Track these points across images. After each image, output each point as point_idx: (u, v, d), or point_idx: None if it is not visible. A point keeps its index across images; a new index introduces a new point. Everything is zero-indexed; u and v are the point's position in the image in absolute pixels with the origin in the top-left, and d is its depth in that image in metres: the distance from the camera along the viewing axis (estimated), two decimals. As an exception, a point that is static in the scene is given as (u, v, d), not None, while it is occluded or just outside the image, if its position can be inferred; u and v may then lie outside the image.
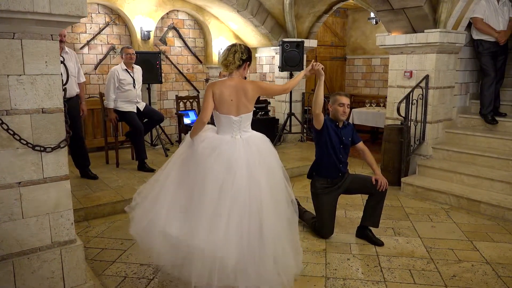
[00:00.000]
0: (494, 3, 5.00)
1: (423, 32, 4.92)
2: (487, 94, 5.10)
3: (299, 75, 3.07)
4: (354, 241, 3.49)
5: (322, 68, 3.02)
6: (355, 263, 3.10)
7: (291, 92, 7.07)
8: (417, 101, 5.00)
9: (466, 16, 4.98)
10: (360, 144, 3.57)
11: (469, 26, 5.15)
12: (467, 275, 2.92)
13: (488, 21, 4.97)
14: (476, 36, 5.14)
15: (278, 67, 6.86)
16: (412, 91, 4.91)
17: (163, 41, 7.16)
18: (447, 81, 5.15)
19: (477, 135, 5.01)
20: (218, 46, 7.55)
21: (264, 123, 6.83)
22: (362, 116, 7.26)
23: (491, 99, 5.10)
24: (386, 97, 5.71)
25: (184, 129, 6.08)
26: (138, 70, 5.42)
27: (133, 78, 5.28)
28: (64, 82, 2.43)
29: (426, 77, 4.98)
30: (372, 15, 8.21)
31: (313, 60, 3.15)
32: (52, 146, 2.33)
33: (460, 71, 5.45)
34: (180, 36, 7.37)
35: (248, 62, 2.81)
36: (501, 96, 5.29)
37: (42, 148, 2.30)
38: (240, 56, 2.73)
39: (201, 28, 7.62)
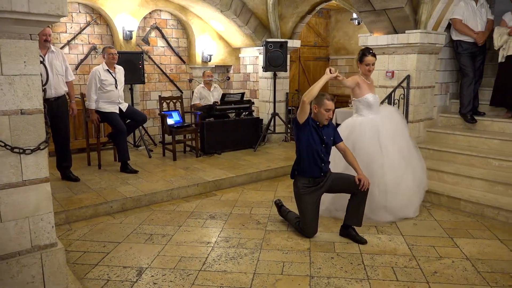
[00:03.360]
0: (472, 5, 5.10)
1: (404, 33, 4.99)
2: (466, 94, 5.21)
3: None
4: (338, 240, 3.52)
5: (330, 70, 3.48)
6: (339, 262, 3.12)
7: (275, 92, 7.10)
8: (398, 100, 5.06)
9: (445, 17, 5.07)
10: (341, 144, 3.60)
11: (448, 27, 5.25)
12: (448, 271, 2.97)
13: (467, 22, 5.08)
14: (455, 37, 5.24)
15: (262, 67, 6.88)
16: (394, 91, 4.98)
17: (146, 41, 7.10)
18: (427, 81, 5.24)
19: (457, 134, 5.11)
20: (202, 46, 7.53)
21: (248, 123, 6.83)
22: (346, 115, 7.25)
23: (470, 99, 5.21)
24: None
25: (168, 129, 6.03)
26: (120, 71, 5.36)
27: (115, 78, 5.22)
28: (43, 83, 2.38)
29: (408, 77, 5.06)
30: (354, 15, 8.30)
31: (330, 68, 3.54)
32: (31, 148, 2.29)
33: (440, 71, 5.55)
34: (163, 36, 7.32)
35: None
36: (479, 95, 5.42)
37: (21, 150, 2.25)
38: None
39: (184, 28, 7.58)
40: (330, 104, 3.39)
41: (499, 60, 5.01)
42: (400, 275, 2.91)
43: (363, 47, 4.19)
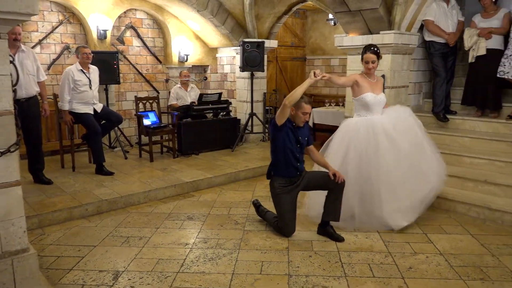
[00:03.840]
0: (444, 7, 5.24)
1: (379, 33, 5.08)
2: (438, 93, 5.35)
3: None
4: (316, 238, 3.55)
5: (315, 73, 3.41)
6: (317, 260, 3.15)
7: (252, 92, 7.11)
8: (374, 100, 5.15)
9: (418, 19, 5.19)
10: (312, 146, 3.70)
11: (421, 28, 5.38)
12: (422, 266, 3.04)
13: (439, 24, 5.21)
14: (427, 37, 5.37)
15: (239, 67, 6.87)
16: (369, 90, 5.06)
17: (121, 40, 6.98)
18: (401, 80, 5.35)
19: (430, 133, 5.18)
20: (178, 46, 7.46)
21: (226, 123, 6.81)
22: (322, 115, 7.40)
23: (443, 98, 5.34)
24: (345, 97, 5.86)
25: (144, 130, 5.95)
26: (94, 71, 5.25)
27: (89, 78, 5.11)
28: (13, 83, 2.31)
29: (382, 77, 5.15)
30: (330, 16, 8.40)
31: (315, 71, 3.46)
32: (1, 151, 2.21)
33: (414, 71, 5.67)
34: (139, 36, 7.22)
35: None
36: (451, 95, 5.57)
37: (-11, 153, 2.18)
38: None
39: (160, 28, 7.50)
40: (307, 107, 3.43)
41: (469, 60, 5.16)
42: (376, 272, 2.96)
43: (366, 44, 3.99)
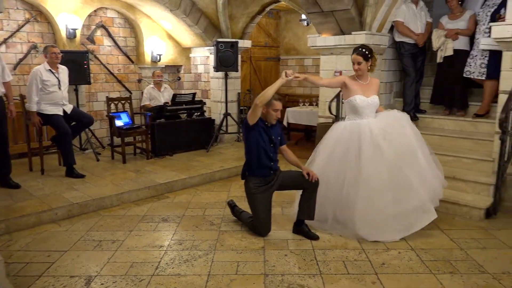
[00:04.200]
0: (413, 8, 5.38)
1: (351, 34, 5.17)
2: (408, 93, 5.48)
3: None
4: (291, 237, 3.57)
5: (286, 73, 3.35)
6: (293, 259, 3.17)
7: (226, 92, 7.09)
8: (346, 99, 5.23)
9: (388, 20, 5.30)
10: (284, 146, 3.73)
11: (391, 29, 5.50)
12: (395, 262, 3.11)
13: (408, 25, 5.34)
14: (397, 38, 5.50)
15: (213, 67, 6.84)
16: (341, 90, 5.12)
17: (91, 40, 6.82)
18: (373, 80, 5.44)
19: (401, 131, 5.35)
20: (151, 45, 7.36)
21: (200, 123, 6.77)
22: (296, 115, 7.46)
23: (412, 97, 5.48)
24: (318, 96, 5.92)
25: (116, 131, 5.83)
26: (63, 71, 5.11)
27: (58, 79, 4.97)
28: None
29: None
30: (303, 17, 8.47)
31: (286, 71, 3.40)
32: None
33: (385, 71, 5.79)
34: (110, 35, 7.07)
35: None
36: (420, 94, 5.72)
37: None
38: None
39: (132, 27, 7.37)
40: (278, 104, 3.44)
41: (438, 60, 5.32)
42: (350, 268, 3.00)
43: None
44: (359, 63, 3.62)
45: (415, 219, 3.50)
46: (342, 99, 5.09)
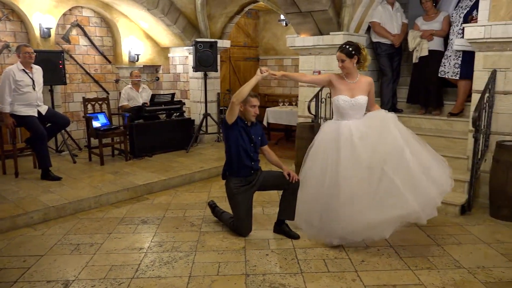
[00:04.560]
0: (389, 9, 5.47)
1: (329, 34, 5.22)
2: (385, 92, 5.58)
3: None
4: (272, 236, 3.58)
5: (261, 70, 3.35)
6: (274, 258, 3.18)
7: (206, 92, 7.05)
8: (325, 99, 5.27)
9: (365, 20, 5.38)
10: (266, 146, 3.73)
11: (368, 29, 5.58)
12: (374, 259, 3.16)
13: (385, 25, 5.44)
14: (374, 38, 5.59)
15: (192, 67, 6.80)
16: (321, 90, 5.17)
17: (66, 39, 6.68)
18: (351, 80, 5.51)
19: (379, 130, 5.43)
20: (128, 45, 7.26)
21: (180, 124, 6.71)
22: (276, 115, 7.49)
23: (390, 97, 5.58)
24: (298, 96, 5.96)
25: (94, 133, 5.72)
26: (38, 71, 4.98)
27: (32, 79, 4.85)
28: None
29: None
30: (282, 17, 8.51)
31: (261, 68, 3.39)
32: None
33: (363, 71, 5.85)
34: (86, 34, 6.93)
35: None
36: (397, 93, 5.82)
37: None
38: None
39: (109, 27, 7.25)
40: (254, 100, 3.46)
41: (414, 61, 5.42)
42: (331, 266, 3.03)
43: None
44: (342, 61, 3.44)
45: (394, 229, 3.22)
46: (322, 98, 5.17)
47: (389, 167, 3.17)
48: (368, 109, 3.61)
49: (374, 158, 3.23)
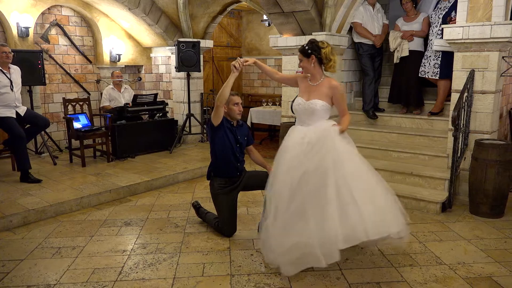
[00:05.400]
0: (370, 10, 5.54)
1: (311, 34, 5.25)
2: (367, 92, 5.65)
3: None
4: (257, 236, 3.57)
5: (235, 66, 3.21)
6: (259, 258, 3.18)
7: (189, 93, 7.01)
8: (308, 99, 5.31)
9: (347, 21, 5.44)
10: (251, 146, 3.75)
11: (350, 30, 5.64)
12: (358, 257, 3.19)
13: (366, 26, 5.50)
14: (356, 39, 5.65)
15: (175, 67, 6.75)
16: (303, 90, 5.20)
17: (45, 38, 6.54)
18: (334, 80, 5.56)
19: (361, 129, 5.51)
20: (110, 45, 7.15)
21: (163, 124, 6.65)
22: (260, 115, 7.50)
23: (372, 97, 5.65)
24: (281, 96, 5.98)
25: (75, 134, 5.62)
26: (16, 71, 4.87)
27: (10, 79, 4.73)
28: None
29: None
30: (265, 17, 8.52)
31: (233, 63, 3.24)
32: None
33: (345, 71, 5.93)
34: (65, 34, 6.81)
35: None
36: (379, 93, 5.90)
37: None
38: None
39: (89, 26, 7.13)
40: (236, 98, 3.47)
41: (395, 61, 5.51)
42: (315, 265, 3.05)
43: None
44: (300, 61, 3.13)
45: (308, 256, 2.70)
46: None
47: (321, 181, 2.74)
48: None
49: (294, 174, 2.85)
